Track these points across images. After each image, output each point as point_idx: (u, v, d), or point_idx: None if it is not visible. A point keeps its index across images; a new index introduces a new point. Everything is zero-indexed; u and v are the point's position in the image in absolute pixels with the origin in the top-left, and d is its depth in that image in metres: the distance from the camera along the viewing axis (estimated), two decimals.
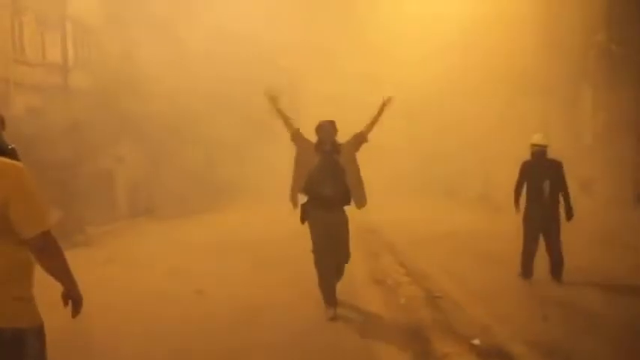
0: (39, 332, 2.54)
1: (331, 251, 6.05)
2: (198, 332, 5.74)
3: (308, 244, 6.22)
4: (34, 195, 2.40)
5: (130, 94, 16.84)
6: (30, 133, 13.81)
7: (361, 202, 6.14)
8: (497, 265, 8.47)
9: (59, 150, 14.63)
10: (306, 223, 6.13)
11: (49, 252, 2.50)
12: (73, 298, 2.70)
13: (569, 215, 7.48)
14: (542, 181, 7.46)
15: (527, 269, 7.67)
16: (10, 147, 2.69)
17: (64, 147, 14.87)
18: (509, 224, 8.04)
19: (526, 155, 7.83)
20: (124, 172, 18.98)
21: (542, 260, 7.63)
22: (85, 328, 6.03)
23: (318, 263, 6.06)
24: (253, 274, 8.42)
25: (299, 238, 6.78)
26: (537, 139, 7.70)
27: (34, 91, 15.55)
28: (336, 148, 6.04)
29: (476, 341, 5.23)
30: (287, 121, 6.28)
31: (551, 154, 7.66)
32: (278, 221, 10.19)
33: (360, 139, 6.23)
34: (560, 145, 16.31)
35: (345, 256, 6.25)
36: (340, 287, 6.35)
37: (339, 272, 6.30)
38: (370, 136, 6.32)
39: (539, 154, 7.60)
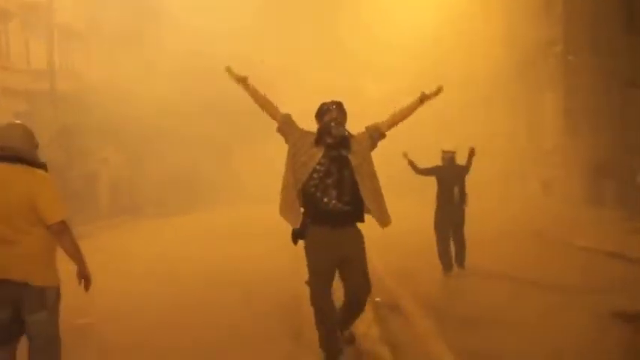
0: (57, 290, 3.58)
1: (333, 284, 4.43)
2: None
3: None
4: (55, 194, 3.52)
5: (114, 98, 17.26)
6: None
7: (384, 219, 4.43)
8: (429, 258, 8.47)
9: (45, 153, 15.33)
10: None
11: (66, 235, 3.53)
12: (84, 275, 3.66)
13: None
14: (452, 186, 7.99)
15: (446, 264, 8.06)
16: (42, 162, 3.60)
17: (49, 150, 15.60)
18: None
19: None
20: (107, 173, 19.66)
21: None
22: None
23: (316, 300, 4.32)
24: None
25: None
26: (447, 146, 8.30)
27: (20, 97, 16.27)
28: (345, 141, 4.30)
29: (378, 299, 6.11)
30: (268, 104, 4.57)
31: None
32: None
33: (377, 132, 4.51)
34: (523, 147, 17.26)
35: (361, 286, 4.38)
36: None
37: (357, 305, 4.49)
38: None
39: (449, 160, 8.12)
